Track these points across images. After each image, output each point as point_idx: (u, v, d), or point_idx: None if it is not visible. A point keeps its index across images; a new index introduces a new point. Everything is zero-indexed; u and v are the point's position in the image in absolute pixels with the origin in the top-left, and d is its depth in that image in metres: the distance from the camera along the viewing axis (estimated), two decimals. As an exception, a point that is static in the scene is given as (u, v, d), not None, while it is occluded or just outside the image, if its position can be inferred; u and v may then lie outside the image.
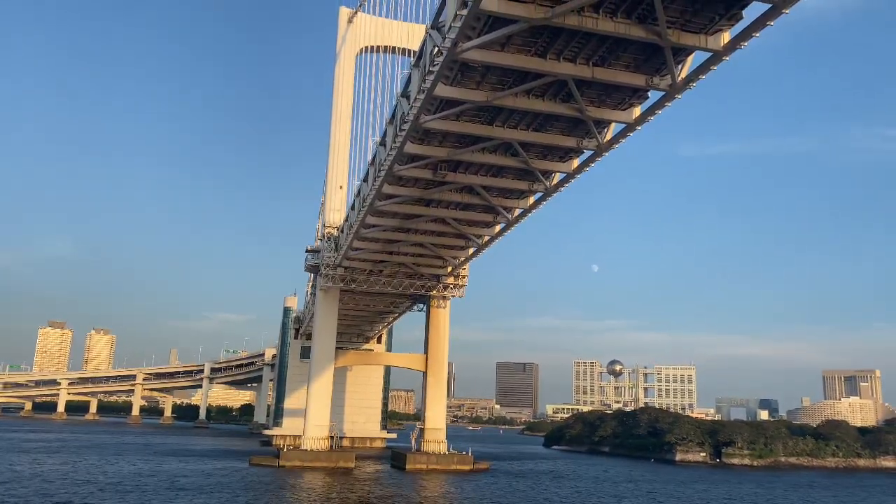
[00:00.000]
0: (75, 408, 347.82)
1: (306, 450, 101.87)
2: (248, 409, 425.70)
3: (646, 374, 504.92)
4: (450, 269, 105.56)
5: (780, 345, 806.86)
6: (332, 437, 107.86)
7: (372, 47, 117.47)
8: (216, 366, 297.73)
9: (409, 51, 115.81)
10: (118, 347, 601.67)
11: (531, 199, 75.99)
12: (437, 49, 50.28)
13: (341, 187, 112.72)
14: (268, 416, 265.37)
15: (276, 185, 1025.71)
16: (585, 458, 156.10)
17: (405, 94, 61.98)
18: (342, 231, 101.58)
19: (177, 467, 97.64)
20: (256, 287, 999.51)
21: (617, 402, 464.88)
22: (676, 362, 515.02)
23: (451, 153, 64.24)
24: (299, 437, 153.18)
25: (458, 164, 68.68)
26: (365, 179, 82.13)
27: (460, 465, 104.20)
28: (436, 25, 51.21)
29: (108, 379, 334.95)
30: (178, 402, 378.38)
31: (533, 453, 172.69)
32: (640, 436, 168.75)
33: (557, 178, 69.73)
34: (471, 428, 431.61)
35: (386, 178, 69.70)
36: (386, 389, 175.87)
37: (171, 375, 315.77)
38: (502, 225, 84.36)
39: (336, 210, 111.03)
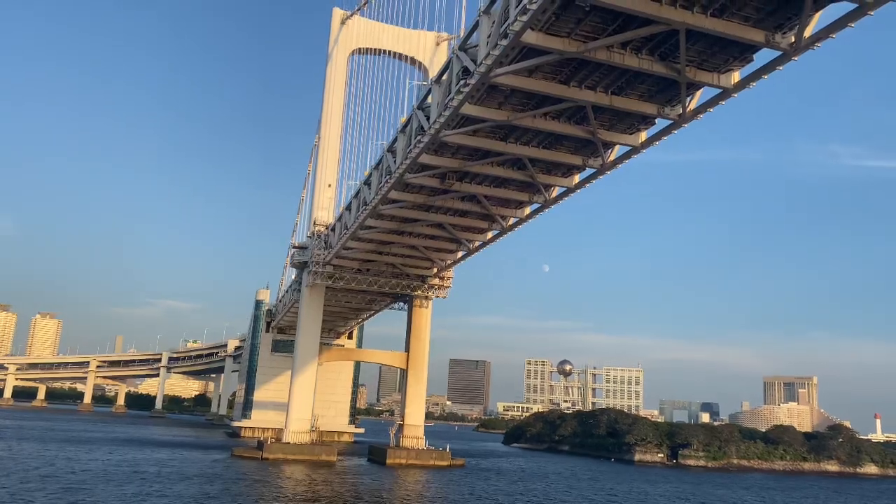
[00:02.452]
0: (22, 394, 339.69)
1: (289, 443, 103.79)
2: (201, 400, 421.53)
3: (594, 375, 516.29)
4: (435, 270, 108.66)
5: (722, 350, 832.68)
6: (313, 430, 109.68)
7: (364, 49, 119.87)
8: (174, 355, 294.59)
9: (402, 55, 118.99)
10: (63, 333, 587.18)
11: (527, 210, 79.56)
12: (463, 69, 53.52)
13: (330, 185, 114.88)
14: (229, 407, 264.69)
15: (239, 176, 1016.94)
16: (548, 457, 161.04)
17: (422, 106, 64.86)
18: (332, 229, 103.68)
19: (157, 457, 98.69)
20: (205, 274, 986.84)
21: (566, 401, 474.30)
22: (622, 364, 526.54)
23: (462, 164, 67.43)
24: (268, 429, 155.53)
25: (465, 174, 71.86)
26: (366, 182, 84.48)
27: (438, 461, 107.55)
28: (464, 47, 54.27)
29: (58, 365, 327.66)
30: (129, 390, 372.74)
31: (495, 450, 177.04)
32: (600, 436, 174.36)
33: (556, 191, 73.45)
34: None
35: (394, 185, 72.42)
36: (355, 385, 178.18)
37: (127, 363, 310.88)
38: (495, 232, 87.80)
39: (324, 208, 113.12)
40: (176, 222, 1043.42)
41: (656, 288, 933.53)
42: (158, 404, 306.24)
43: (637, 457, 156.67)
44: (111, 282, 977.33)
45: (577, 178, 69.95)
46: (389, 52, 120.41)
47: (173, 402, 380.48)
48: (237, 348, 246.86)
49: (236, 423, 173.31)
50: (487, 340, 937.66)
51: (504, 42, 45.63)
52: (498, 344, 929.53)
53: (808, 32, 42.52)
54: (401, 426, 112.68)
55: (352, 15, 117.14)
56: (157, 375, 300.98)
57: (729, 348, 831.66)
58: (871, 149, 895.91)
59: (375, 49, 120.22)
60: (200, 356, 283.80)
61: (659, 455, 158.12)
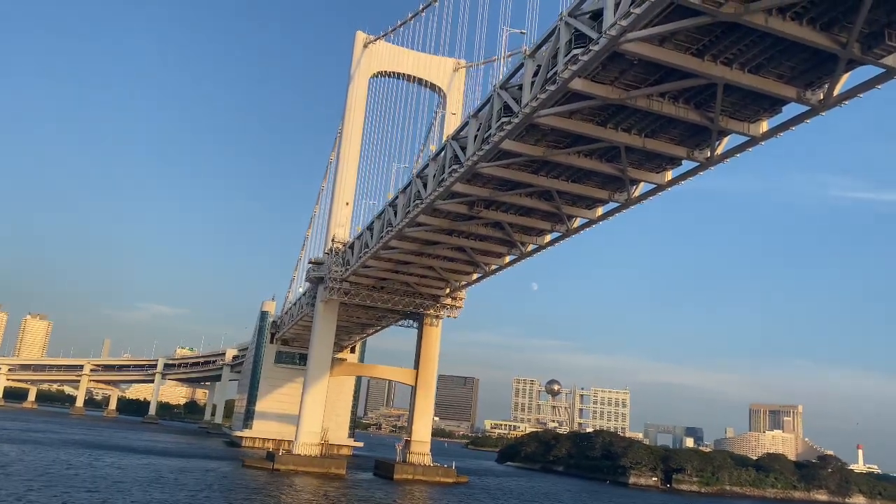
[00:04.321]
0: (12, 395, 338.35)
1: (300, 455, 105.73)
2: (192, 407, 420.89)
3: (582, 396, 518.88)
4: (448, 290, 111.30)
5: (706, 375, 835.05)
6: (323, 444, 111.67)
7: (384, 72, 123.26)
8: (171, 361, 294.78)
9: (421, 79, 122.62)
10: (54, 334, 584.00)
11: (547, 238, 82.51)
12: (504, 107, 56.58)
13: (347, 204, 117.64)
14: (226, 416, 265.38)
15: (235, 186, 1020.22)
16: (544, 477, 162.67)
17: (456, 137, 67.88)
18: (351, 247, 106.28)
19: (170, 465, 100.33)
20: (193, 280, 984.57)
21: (553, 420, 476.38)
22: (608, 386, 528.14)
23: (492, 194, 70.41)
24: (269, 440, 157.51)
25: (492, 202, 74.76)
26: (391, 204, 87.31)
27: (444, 478, 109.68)
28: (505, 86, 57.31)
29: (51, 367, 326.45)
30: (120, 394, 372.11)
31: (492, 469, 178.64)
32: (595, 458, 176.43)
33: (578, 222, 76.57)
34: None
35: (424, 210, 75.30)
36: (356, 399, 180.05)
37: (121, 368, 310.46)
38: (513, 257, 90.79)
39: (341, 225, 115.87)
40: (167, 227, 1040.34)
41: (643, 311, 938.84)
42: (152, 410, 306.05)
43: (632, 480, 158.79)
44: (100, 284, 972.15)
45: (600, 211, 73.10)
46: (409, 76, 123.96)
47: (164, 409, 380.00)
48: (236, 357, 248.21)
49: (237, 433, 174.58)
50: (475, 357, 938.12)
51: (551, 87, 48.68)
52: (485, 361, 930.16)
53: (836, 90, 45.95)
54: (407, 442, 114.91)
55: (376, 40, 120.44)
56: (152, 381, 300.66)
57: (714, 374, 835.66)
58: (859, 180, 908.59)
59: (395, 73, 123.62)
60: (197, 363, 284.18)
61: (653, 479, 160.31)
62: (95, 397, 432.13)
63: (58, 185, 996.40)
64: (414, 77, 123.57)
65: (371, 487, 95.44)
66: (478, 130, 61.97)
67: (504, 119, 55.85)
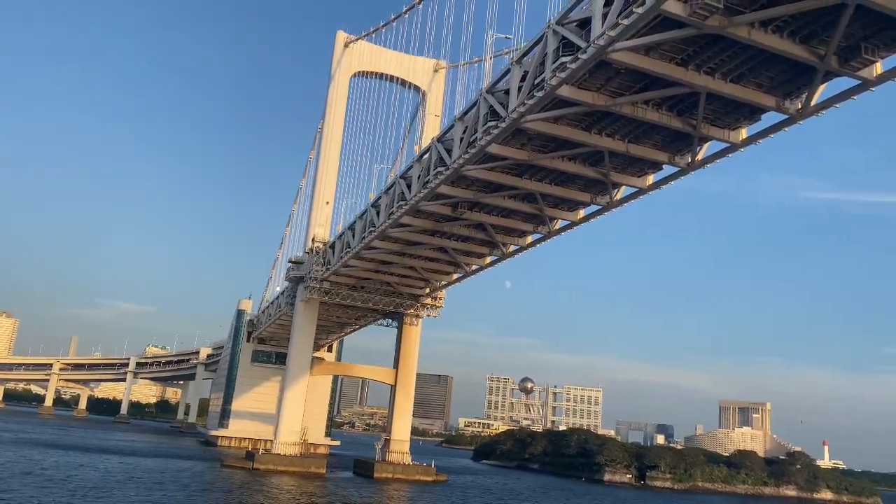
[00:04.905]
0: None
1: (279, 454, 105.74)
2: (164, 406, 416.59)
3: (555, 394, 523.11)
4: (428, 290, 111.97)
5: (676, 373, 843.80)
6: (303, 443, 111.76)
7: (365, 72, 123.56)
8: (143, 360, 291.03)
9: (401, 79, 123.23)
10: (20, 332, 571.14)
11: (529, 239, 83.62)
12: (490, 111, 57.39)
13: (328, 203, 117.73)
14: (199, 415, 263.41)
15: (210, 183, 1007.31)
16: (520, 475, 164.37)
17: (441, 139, 68.57)
18: (332, 247, 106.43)
19: (147, 464, 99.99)
20: (161, 277, 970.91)
21: (526, 419, 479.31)
22: (580, 383, 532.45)
23: (476, 196, 71.27)
24: (245, 439, 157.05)
25: (476, 204, 75.59)
26: (373, 205, 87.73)
27: (423, 476, 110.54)
28: (491, 90, 58.12)
29: (19, 366, 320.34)
30: (90, 393, 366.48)
31: (468, 467, 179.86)
32: (570, 455, 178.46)
33: (560, 224, 77.74)
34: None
35: (408, 211, 75.89)
36: (333, 398, 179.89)
37: (91, 367, 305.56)
38: (493, 258, 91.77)
39: (321, 225, 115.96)
40: (136, 224, 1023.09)
41: (615, 309, 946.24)
42: (124, 410, 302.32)
43: (607, 477, 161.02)
44: (65, 280, 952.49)
45: (581, 213, 74.29)
46: (389, 76, 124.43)
47: (136, 408, 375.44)
48: (210, 356, 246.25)
49: (213, 433, 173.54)
50: (448, 354, 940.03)
51: (539, 93, 49.57)
52: (458, 358, 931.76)
53: (814, 101, 47.55)
54: (387, 441, 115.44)
55: (356, 40, 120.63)
56: (124, 380, 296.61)
57: (683, 371, 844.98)
58: (827, 181, 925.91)
59: (376, 72, 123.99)
60: (170, 362, 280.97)
61: (627, 476, 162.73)
62: (64, 396, 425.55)
63: (23, 180, 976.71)
64: (395, 77, 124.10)
65: (352, 486, 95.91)
66: (463, 133, 62.68)
67: (491, 123, 56.61)
